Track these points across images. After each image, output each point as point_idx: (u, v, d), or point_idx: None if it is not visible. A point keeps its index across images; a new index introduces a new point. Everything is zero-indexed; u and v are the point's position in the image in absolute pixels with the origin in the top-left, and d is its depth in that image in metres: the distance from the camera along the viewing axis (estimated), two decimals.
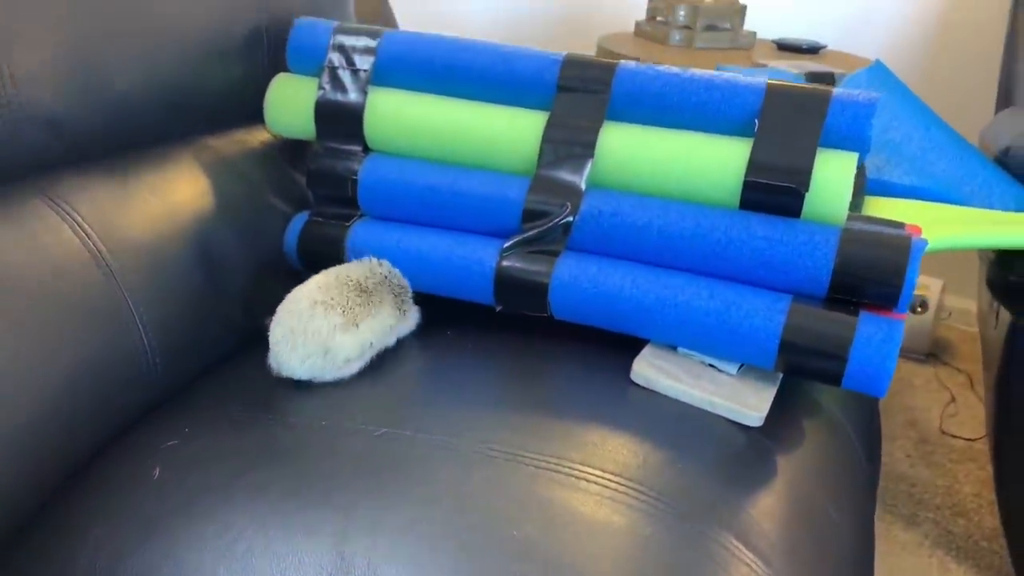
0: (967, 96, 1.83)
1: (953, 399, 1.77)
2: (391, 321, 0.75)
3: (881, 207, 1.03)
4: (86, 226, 0.71)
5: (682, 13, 1.57)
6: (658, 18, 1.62)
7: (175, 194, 0.79)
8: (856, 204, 1.00)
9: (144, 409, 0.72)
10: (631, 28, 1.92)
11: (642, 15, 1.87)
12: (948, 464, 1.57)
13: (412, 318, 0.79)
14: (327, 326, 0.69)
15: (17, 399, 0.62)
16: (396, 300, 0.76)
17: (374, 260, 0.77)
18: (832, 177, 0.72)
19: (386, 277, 0.76)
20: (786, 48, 1.62)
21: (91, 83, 0.72)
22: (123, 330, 0.71)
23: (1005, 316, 1.16)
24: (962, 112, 1.79)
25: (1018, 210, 1.13)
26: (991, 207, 1.13)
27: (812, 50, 1.61)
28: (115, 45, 0.74)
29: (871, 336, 0.68)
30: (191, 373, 0.76)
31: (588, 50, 1.88)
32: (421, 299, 0.80)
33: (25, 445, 0.63)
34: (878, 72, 1.38)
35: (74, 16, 0.70)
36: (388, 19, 1.28)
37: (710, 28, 1.57)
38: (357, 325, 0.71)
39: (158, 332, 0.73)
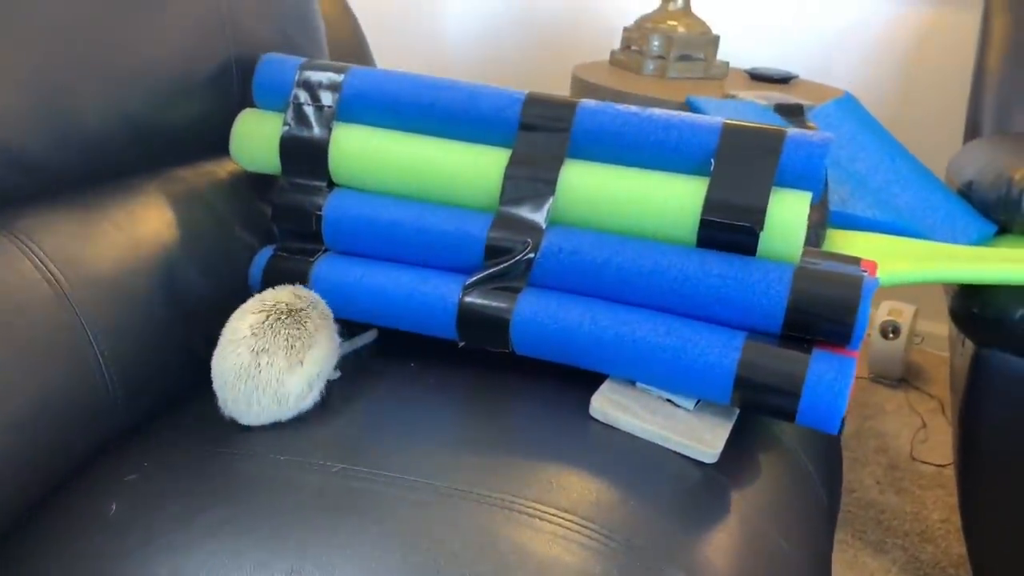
0: (937, 126, 1.86)
1: (924, 424, 1.79)
2: (331, 345, 0.75)
3: (843, 240, 1.05)
4: (48, 261, 0.71)
5: (656, 43, 1.59)
6: (632, 47, 1.64)
7: (140, 227, 0.79)
8: (818, 236, 1.02)
9: (104, 443, 0.72)
10: (607, 57, 1.94)
11: (618, 45, 1.89)
12: (917, 491, 1.58)
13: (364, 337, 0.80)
14: (274, 374, 0.69)
15: None
16: (327, 325, 0.76)
17: (296, 285, 0.77)
18: (786, 216, 0.74)
19: (311, 302, 0.75)
20: (758, 78, 1.64)
21: (58, 120, 0.73)
22: (83, 364, 0.71)
23: (970, 345, 1.17)
24: (932, 142, 1.82)
25: (978, 242, 1.15)
26: (953, 239, 1.15)
27: (783, 80, 1.63)
28: (83, 81, 0.75)
29: (823, 374, 0.69)
30: (152, 406, 0.76)
31: (564, 79, 1.90)
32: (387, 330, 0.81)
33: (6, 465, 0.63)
34: (846, 104, 1.41)
35: (42, 55, 0.71)
36: (363, 51, 1.29)
37: (683, 58, 1.59)
38: (301, 363, 0.71)
39: (119, 366, 0.74)
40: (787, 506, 0.73)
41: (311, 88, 0.86)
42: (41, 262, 0.71)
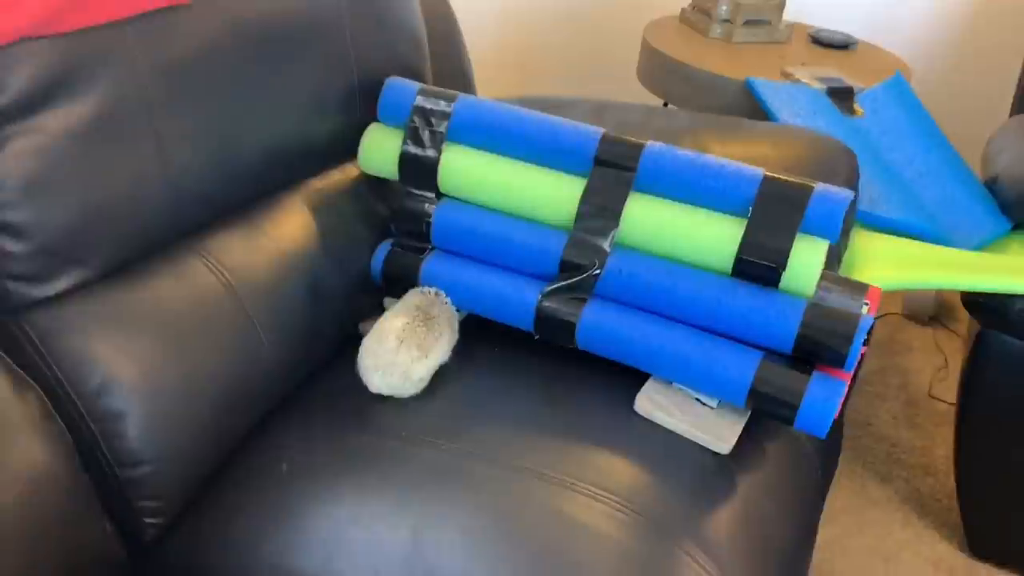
0: (992, 93, 1.94)
1: (946, 363, 1.96)
2: (450, 343, 0.98)
3: (866, 241, 1.22)
4: (224, 270, 0.93)
5: (724, 8, 1.69)
6: (700, 9, 1.75)
7: (285, 234, 1.00)
8: (841, 245, 1.18)
9: (269, 409, 0.96)
10: (678, 10, 2.02)
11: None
12: (930, 426, 1.78)
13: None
14: (408, 359, 0.92)
15: (177, 401, 0.86)
16: (451, 323, 0.99)
17: (433, 290, 1.00)
18: (804, 260, 0.92)
19: (444, 304, 0.98)
20: (819, 42, 1.75)
21: (225, 162, 0.93)
22: (252, 346, 0.94)
23: (975, 323, 1.34)
24: (985, 110, 1.90)
25: (992, 239, 1.30)
26: (968, 236, 1.30)
27: (844, 45, 1.73)
28: (241, 127, 0.94)
29: (818, 393, 0.89)
30: (300, 380, 1.00)
31: (638, 30, 1.99)
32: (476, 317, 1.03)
33: (188, 434, 0.87)
34: (894, 87, 1.53)
35: (210, 116, 0.90)
36: (450, 24, 1.43)
37: (749, 23, 1.70)
38: (427, 356, 0.94)
39: (276, 346, 0.96)
40: (784, 485, 0.94)
41: (425, 115, 1.04)
42: (219, 271, 0.93)
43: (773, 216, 0.93)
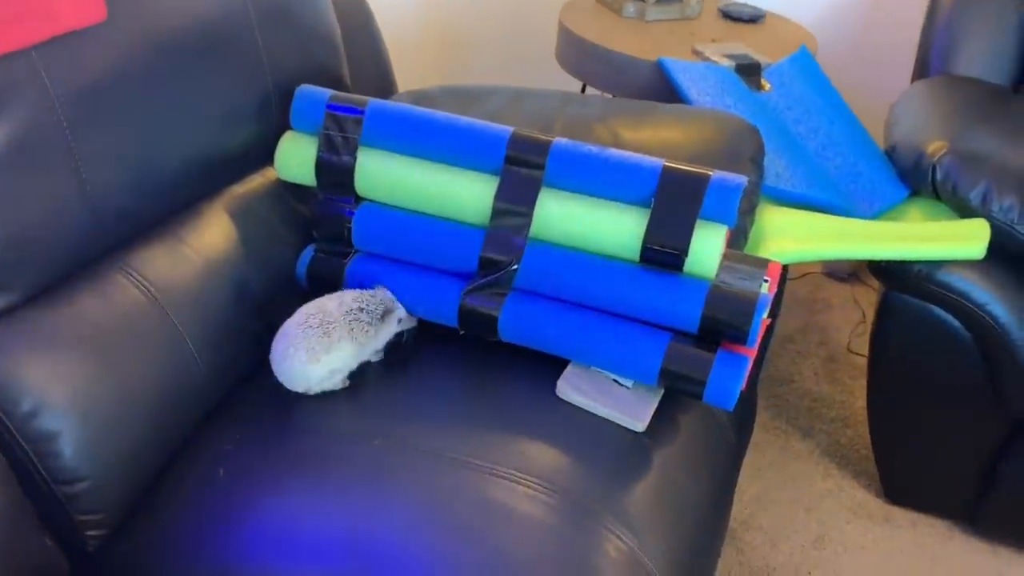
0: (895, 62, 2.01)
1: (864, 318, 2.06)
2: (354, 347, 1.00)
3: (771, 215, 1.28)
4: (148, 283, 0.96)
5: None
6: None
7: (207, 243, 1.03)
8: (747, 221, 1.25)
9: (202, 415, 0.99)
10: None
11: None
12: (848, 381, 1.88)
13: (399, 324, 1.06)
14: (297, 366, 0.97)
15: (111, 417, 0.89)
16: (353, 332, 1.00)
17: (345, 295, 1.02)
18: (705, 245, 0.98)
19: (348, 311, 1.00)
20: (729, 17, 1.80)
21: (145, 177, 0.95)
22: (180, 355, 0.97)
23: (880, 286, 1.42)
24: (891, 80, 1.98)
25: (891, 206, 1.38)
26: (870, 203, 1.38)
27: (752, 19, 1.79)
28: (159, 143, 0.96)
29: (723, 369, 0.96)
30: (229, 384, 1.03)
31: (553, 15, 2.01)
32: None
33: (124, 448, 0.90)
34: (800, 61, 1.59)
35: (129, 133, 0.92)
36: (365, 16, 1.44)
37: (661, 2, 1.75)
38: (319, 360, 0.97)
39: (205, 352, 0.99)
40: (697, 456, 1.01)
41: (337, 121, 1.07)
42: (143, 285, 0.95)
43: (673, 205, 0.98)
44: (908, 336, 1.39)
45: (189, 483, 0.92)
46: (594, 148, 1.03)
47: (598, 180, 1.01)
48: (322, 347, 0.97)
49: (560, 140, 1.03)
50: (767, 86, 1.54)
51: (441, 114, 1.07)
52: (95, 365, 0.88)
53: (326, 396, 0.99)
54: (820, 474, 1.65)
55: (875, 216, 1.37)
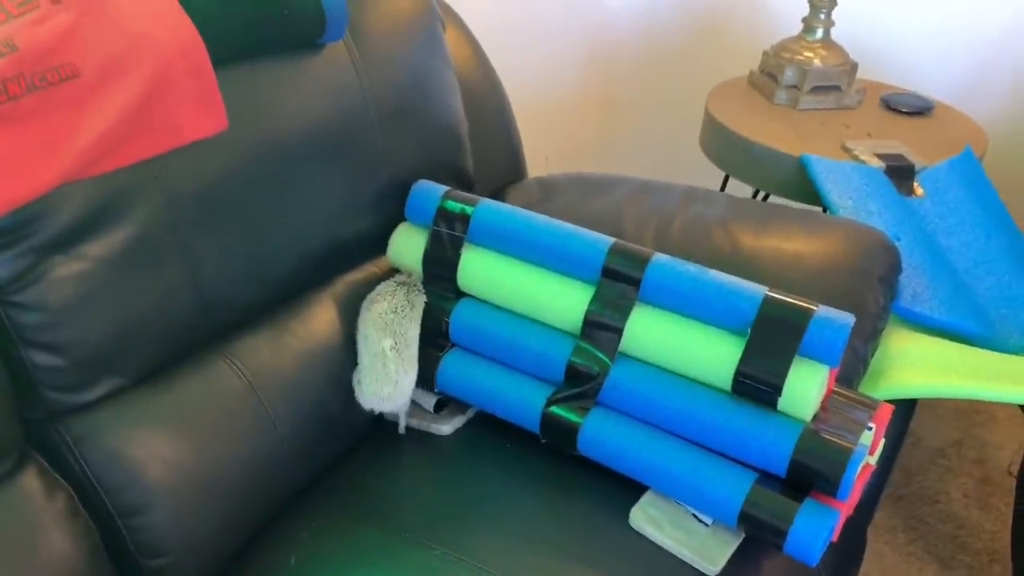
0: None
1: None
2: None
3: (900, 340, 1.19)
4: (247, 371, 1.00)
5: (790, 73, 1.67)
6: (768, 72, 1.73)
7: (311, 330, 1.07)
8: (874, 333, 1.16)
9: (287, 498, 1.03)
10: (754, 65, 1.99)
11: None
12: (1003, 508, 1.70)
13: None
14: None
15: (197, 496, 0.94)
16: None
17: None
18: (801, 384, 0.92)
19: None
20: (893, 108, 1.69)
21: (257, 269, 1.01)
22: (268, 440, 1.01)
23: None
24: None
25: None
26: (1021, 334, 1.25)
27: (919, 112, 1.68)
28: (273, 237, 1.02)
29: (808, 521, 0.89)
30: (315, 470, 1.07)
31: (713, 79, 1.98)
32: None
33: (206, 527, 0.95)
34: (962, 165, 1.47)
35: (244, 229, 0.98)
36: (494, 91, 1.46)
37: (816, 90, 1.67)
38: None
39: (292, 438, 1.03)
40: None
41: (447, 219, 1.09)
42: (242, 374, 1.00)
43: (772, 338, 0.93)
44: None
45: (261, 568, 0.96)
46: (693, 268, 0.99)
47: (694, 302, 0.98)
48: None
49: (659, 257, 1.01)
50: (920, 191, 1.43)
51: (544, 219, 1.07)
52: (188, 445, 0.94)
53: (401, 491, 1.01)
54: None
55: None
